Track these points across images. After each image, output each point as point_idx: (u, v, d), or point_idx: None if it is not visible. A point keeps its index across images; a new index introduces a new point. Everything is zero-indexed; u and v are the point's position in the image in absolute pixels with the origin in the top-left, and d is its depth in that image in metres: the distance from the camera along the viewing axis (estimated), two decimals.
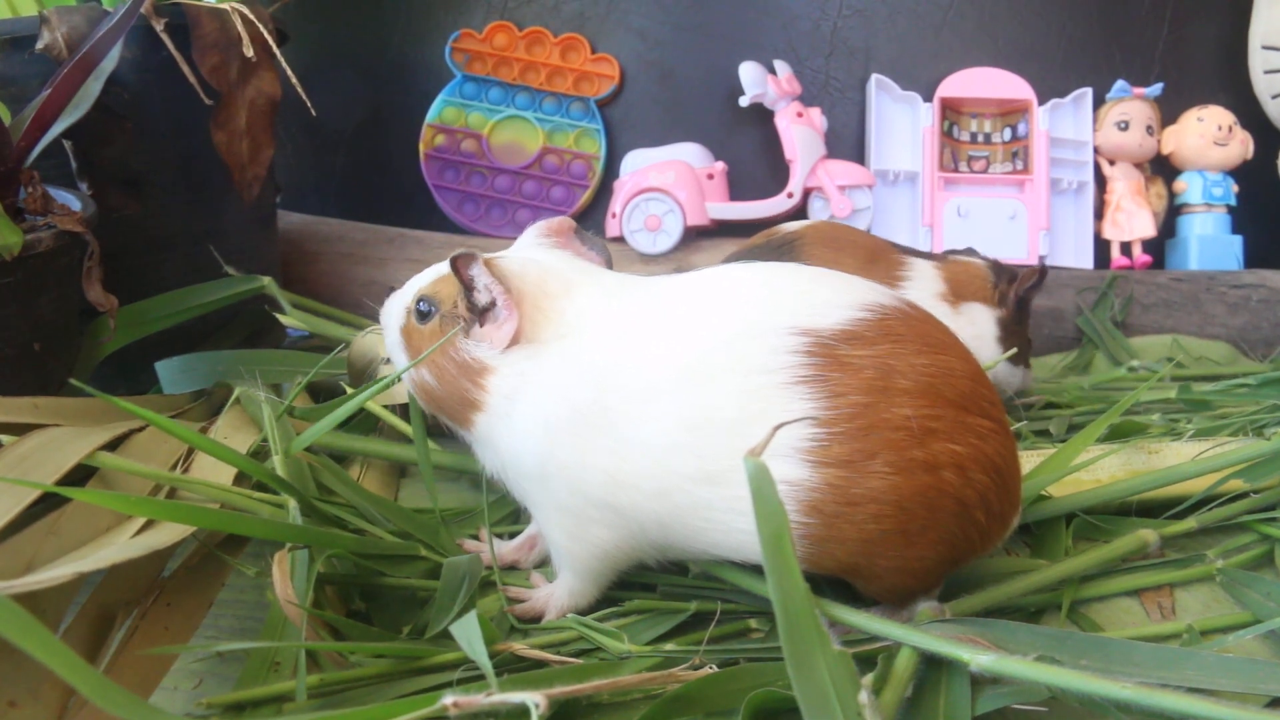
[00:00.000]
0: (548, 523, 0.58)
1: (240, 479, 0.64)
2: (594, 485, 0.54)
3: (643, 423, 0.53)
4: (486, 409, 0.58)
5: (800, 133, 1.31)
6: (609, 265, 0.63)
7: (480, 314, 0.57)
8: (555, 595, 0.59)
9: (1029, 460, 0.74)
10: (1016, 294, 0.92)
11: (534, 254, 0.61)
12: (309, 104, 0.95)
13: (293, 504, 0.59)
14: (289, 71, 0.94)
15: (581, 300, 0.57)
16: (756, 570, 0.56)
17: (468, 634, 0.47)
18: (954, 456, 0.50)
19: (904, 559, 0.52)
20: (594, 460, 0.54)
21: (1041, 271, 0.92)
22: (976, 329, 0.91)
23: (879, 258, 0.94)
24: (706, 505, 0.52)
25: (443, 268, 0.62)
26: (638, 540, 0.56)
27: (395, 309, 0.64)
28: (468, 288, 0.57)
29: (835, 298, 0.53)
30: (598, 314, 0.57)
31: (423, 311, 0.61)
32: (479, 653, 0.45)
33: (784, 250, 0.93)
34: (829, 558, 0.52)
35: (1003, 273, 0.94)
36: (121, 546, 0.50)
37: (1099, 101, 1.36)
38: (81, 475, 0.59)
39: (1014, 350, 0.88)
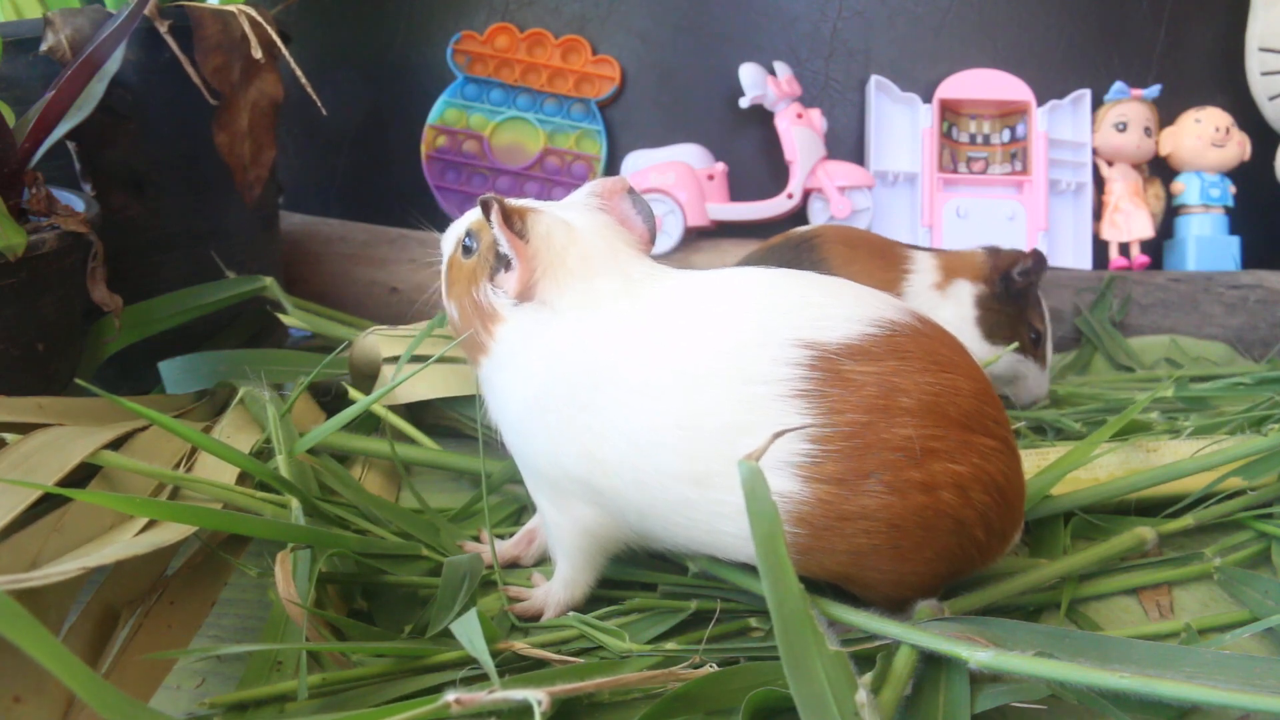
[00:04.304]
0: (533, 486, 0.60)
1: (243, 479, 0.64)
2: (572, 460, 0.55)
3: (632, 414, 0.53)
4: (491, 354, 0.59)
5: (800, 134, 1.31)
6: (653, 232, 0.63)
7: (505, 262, 0.57)
8: (552, 591, 0.59)
9: (1027, 459, 0.74)
10: (999, 269, 0.91)
11: (572, 215, 0.60)
12: (319, 103, 0.95)
13: (295, 504, 0.59)
14: (299, 71, 0.94)
15: (598, 282, 0.57)
16: (754, 569, 0.56)
17: (469, 632, 0.47)
18: (954, 477, 0.50)
19: (898, 573, 0.51)
20: (576, 436, 0.55)
21: (1035, 255, 0.90)
22: (959, 308, 0.91)
23: (888, 253, 0.95)
24: (689, 504, 0.52)
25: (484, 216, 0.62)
26: (616, 520, 0.57)
27: (451, 235, 0.64)
28: (495, 230, 0.57)
29: (844, 311, 0.52)
30: (611, 300, 0.56)
31: (468, 247, 0.61)
32: (480, 650, 0.46)
33: (803, 249, 0.94)
34: (817, 566, 0.52)
35: (998, 255, 0.93)
36: (127, 544, 0.51)
37: (1097, 103, 1.36)
38: (85, 474, 0.59)
39: (1013, 346, 0.86)
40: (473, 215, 0.62)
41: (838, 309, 0.53)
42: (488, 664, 0.45)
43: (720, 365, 0.51)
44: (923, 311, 0.95)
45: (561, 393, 0.55)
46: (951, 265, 0.95)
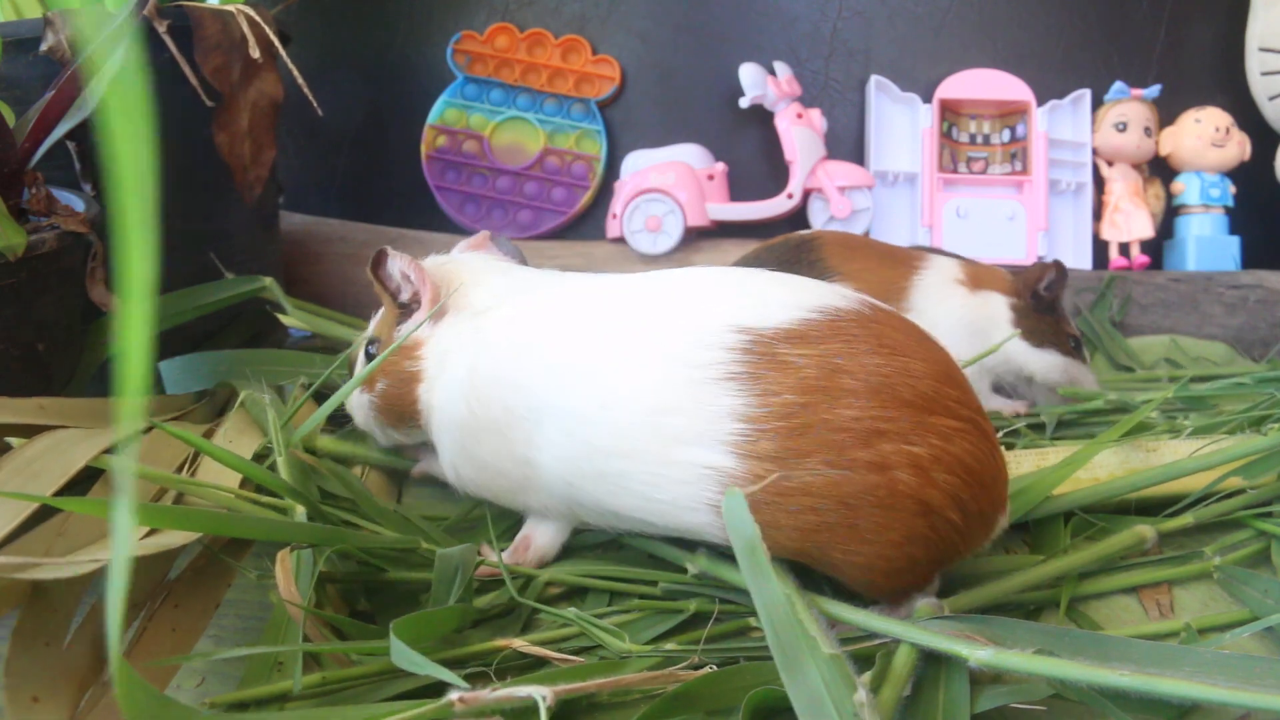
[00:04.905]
0: (452, 473, 0.65)
1: (246, 481, 0.64)
2: (515, 441, 0.59)
3: (561, 393, 0.56)
4: (426, 378, 0.64)
5: (800, 134, 1.31)
6: (523, 263, 0.72)
7: (410, 311, 0.66)
8: (527, 534, 0.65)
9: (1027, 458, 0.74)
10: (1029, 285, 0.93)
11: (450, 256, 0.70)
12: (315, 105, 0.95)
13: (299, 509, 0.59)
14: (296, 72, 0.94)
15: (494, 283, 0.65)
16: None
17: (403, 654, 0.45)
18: (910, 458, 0.50)
19: (864, 555, 0.52)
20: (514, 419, 0.58)
21: (1058, 266, 0.92)
22: (989, 311, 0.93)
23: (890, 253, 0.96)
24: (621, 475, 0.55)
25: (379, 315, 0.71)
26: (558, 502, 0.61)
27: (356, 389, 0.70)
28: (389, 287, 0.66)
29: (784, 298, 0.54)
30: (515, 294, 0.63)
31: (370, 353, 0.69)
32: (419, 664, 0.44)
33: (802, 249, 0.95)
34: (770, 541, 0.51)
35: (1025, 270, 0.96)
36: (134, 545, 0.51)
37: (1097, 103, 1.36)
38: (88, 475, 0.59)
39: (1015, 333, 0.88)
40: (361, 343, 0.71)
41: (777, 296, 0.54)
42: (438, 673, 0.43)
43: (651, 348, 0.54)
44: (943, 304, 0.96)
45: (496, 380, 0.59)
46: (978, 273, 0.95)
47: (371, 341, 0.69)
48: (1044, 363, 0.93)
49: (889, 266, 0.93)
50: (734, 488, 0.45)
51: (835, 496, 0.50)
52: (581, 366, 0.56)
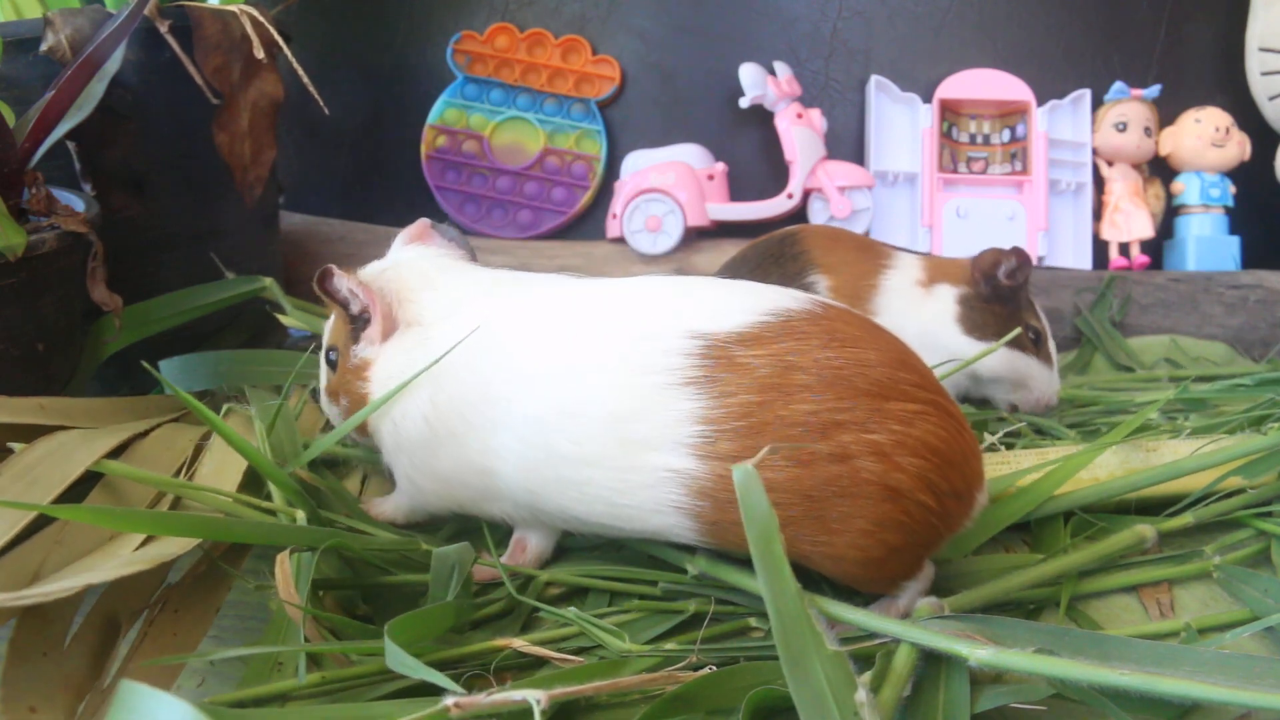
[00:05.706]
0: (413, 488, 0.64)
1: (243, 486, 0.64)
2: (474, 450, 0.58)
3: (522, 401, 0.56)
4: (374, 399, 0.62)
5: (800, 134, 1.31)
6: (471, 253, 0.70)
7: (361, 323, 0.64)
8: (518, 543, 0.65)
9: (1027, 458, 0.74)
10: (980, 268, 0.90)
11: (393, 258, 0.68)
12: (321, 103, 0.95)
13: (299, 513, 0.59)
14: (301, 72, 0.94)
15: (448, 289, 0.63)
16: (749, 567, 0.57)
17: (397, 656, 0.45)
18: (871, 446, 0.50)
19: (834, 546, 0.52)
20: (472, 429, 0.58)
21: (1018, 253, 0.88)
22: (939, 306, 0.90)
23: (870, 248, 0.96)
24: (585, 482, 0.55)
25: (330, 321, 0.69)
26: (521, 510, 0.61)
27: (321, 394, 0.70)
28: (339, 301, 0.63)
29: (739, 304, 0.55)
30: (467, 302, 0.62)
31: (331, 361, 0.67)
32: (413, 667, 0.44)
33: (786, 242, 0.95)
34: (735, 538, 0.51)
35: (978, 256, 0.92)
36: (128, 558, 0.51)
37: (1097, 103, 1.36)
38: (88, 477, 0.59)
39: (1009, 336, 0.82)
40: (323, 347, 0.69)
41: (728, 301, 0.55)
42: (431, 676, 0.44)
43: (609, 356, 0.55)
44: (902, 310, 0.95)
45: (456, 394, 0.59)
46: (936, 267, 0.94)
47: (330, 349, 0.68)
48: (977, 354, 0.86)
49: (863, 260, 0.93)
50: (741, 464, 0.44)
51: (797, 491, 0.50)
52: (541, 374, 0.56)
